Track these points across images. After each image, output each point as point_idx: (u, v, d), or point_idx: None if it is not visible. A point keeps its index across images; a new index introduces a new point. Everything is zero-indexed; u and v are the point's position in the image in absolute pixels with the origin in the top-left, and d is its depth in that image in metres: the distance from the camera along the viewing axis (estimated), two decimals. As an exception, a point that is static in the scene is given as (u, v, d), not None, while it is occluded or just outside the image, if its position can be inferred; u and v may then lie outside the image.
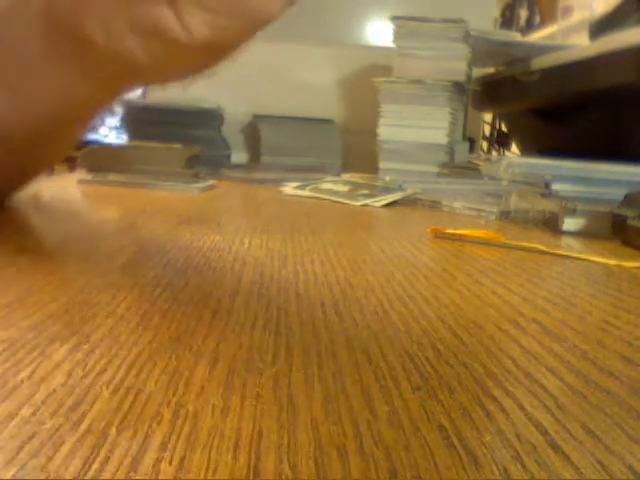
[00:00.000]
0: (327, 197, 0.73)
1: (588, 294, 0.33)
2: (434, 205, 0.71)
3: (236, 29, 0.31)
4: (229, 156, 1.10)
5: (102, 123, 2.97)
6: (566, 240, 0.53)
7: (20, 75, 0.36)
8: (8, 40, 0.36)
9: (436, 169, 0.95)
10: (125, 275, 0.31)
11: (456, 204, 0.68)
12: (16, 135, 0.38)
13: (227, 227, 0.50)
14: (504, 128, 1.30)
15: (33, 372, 0.18)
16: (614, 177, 0.60)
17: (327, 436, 0.15)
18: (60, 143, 0.46)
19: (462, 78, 0.98)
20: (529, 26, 2.58)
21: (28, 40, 0.34)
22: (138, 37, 0.30)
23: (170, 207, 0.60)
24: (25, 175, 0.48)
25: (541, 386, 0.19)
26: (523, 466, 0.14)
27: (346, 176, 0.92)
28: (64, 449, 0.14)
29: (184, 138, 0.91)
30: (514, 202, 0.65)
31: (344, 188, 0.79)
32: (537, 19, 2.64)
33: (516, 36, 1.12)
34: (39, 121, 0.38)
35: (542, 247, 0.45)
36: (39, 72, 0.35)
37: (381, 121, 0.99)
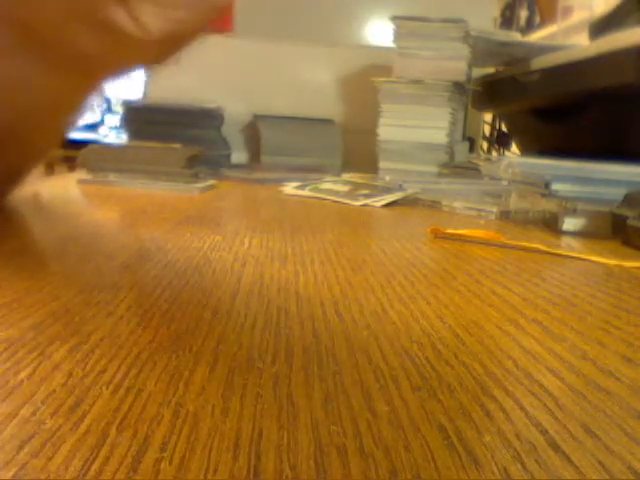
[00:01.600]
0: (327, 197, 0.73)
1: (588, 294, 0.33)
2: (434, 205, 0.71)
3: (193, 18, 0.31)
4: (229, 156, 1.10)
5: (102, 123, 2.97)
6: (566, 240, 0.53)
7: None
8: None
9: (436, 169, 0.95)
10: (125, 275, 0.31)
11: (456, 204, 0.68)
12: None
13: (227, 227, 0.50)
14: (504, 128, 1.30)
15: (33, 372, 0.18)
16: (614, 177, 0.60)
17: (327, 436, 0.15)
18: (42, 140, 0.46)
19: (462, 78, 0.97)
20: (529, 26, 2.58)
21: None
22: (91, 34, 0.31)
23: (170, 207, 0.60)
24: (12, 173, 0.47)
25: (541, 386, 0.19)
26: (523, 466, 0.14)
27: (346, 176, 0.92)
28: (64, 449, 0.14)
29: (184, 138, 0.91)
30: (514, 202, 0.65)
31: (344, 188, 0.79)
32: (537, 19, 2.64)
33: (516, 36, 1.12)
34: (9, 118, 0.38)
35: (542, 247, 0.45)
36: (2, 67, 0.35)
37: (381, 121, 0.99)
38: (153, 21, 0.29)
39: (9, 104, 0.37)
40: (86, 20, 0.30)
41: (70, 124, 0.47)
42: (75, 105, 0.43)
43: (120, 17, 0.29)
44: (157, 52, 0.33)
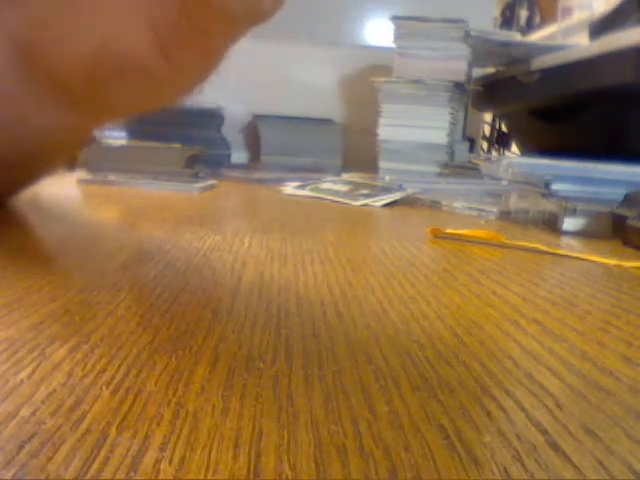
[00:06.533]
0: (327, 197, 0.73)
1: (588, 294, 0.33)
2: (434, 205, 0.71)
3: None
4: (229, 156, 1.10)
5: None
6: (566, 240, 0.53)
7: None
8: None
9: (436, 169, 0.95)
10: (125, 275, 0.31)
11: (456, 204, 0.68)
12: (4, 156, 0.39)
13: (227, 227, 0.50)
14: (504, 128, 1.30)
15: (33, 372, 0.18)
16: (614, 177, 0.60)
17: (327, 436, 0.15)
18: (50, 161, 0.47)
19: (462, 78, 0.98)
20: (529, 26, 2.58)
21: (8, 79, 0.34)
22: (122, 83, 0.31)
23: (170, 207, 0.60)
24: (17, 185, 0.48)
25: (541, 386, 0.19)
26: (523, 466, 0.14)
27: (346, 176, 0.92)
28: (64, 449, 0.14)
29: (184, 138, 0.91)
30: (514, 202, 0.65)
31: (344, 188, 0.79)
32: (537, 19, 2.63)
33: (516, 36, 1.12)
34: (26, 144, 0.39)
35: (542, 247, 0.45)
36: (22, 106, 0.35)
37: (381, 121, 0.99)
38: (192, 64, 0.29)
39: (20, 138, 0.37)
40: (121, 68, 0.30)
41: (77, 149, 0.48)
42: (86, 136, 0.44)
43: (161, 67, 0.29)
44: (185, 90, 0.34)
